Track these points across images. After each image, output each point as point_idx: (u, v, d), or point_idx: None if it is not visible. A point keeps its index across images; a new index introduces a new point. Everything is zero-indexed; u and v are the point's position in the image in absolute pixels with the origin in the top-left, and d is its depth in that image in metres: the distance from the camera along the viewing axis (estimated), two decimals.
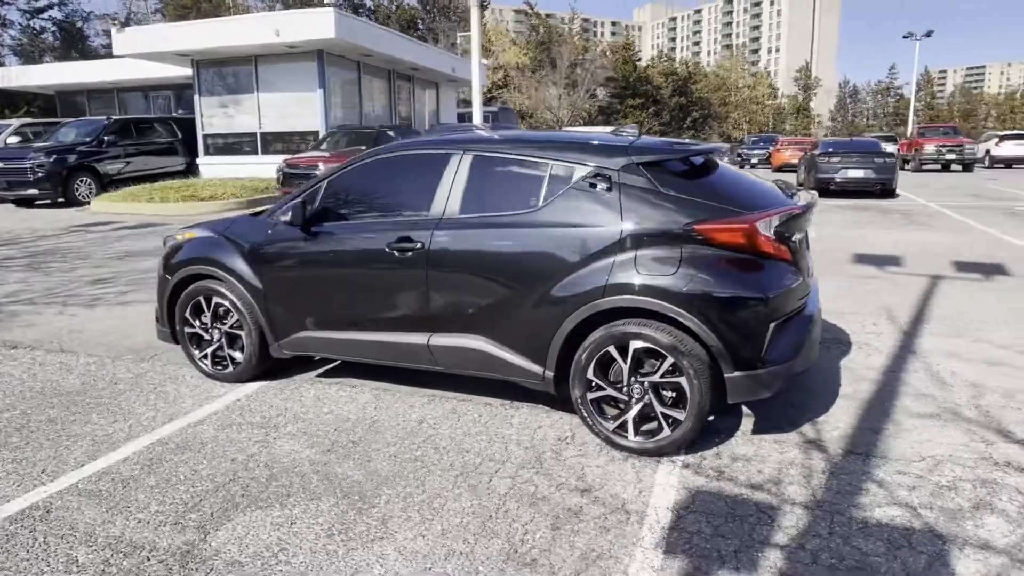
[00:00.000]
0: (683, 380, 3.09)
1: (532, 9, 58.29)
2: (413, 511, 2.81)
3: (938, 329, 5.19)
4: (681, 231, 3.09)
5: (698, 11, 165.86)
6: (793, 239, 3.26)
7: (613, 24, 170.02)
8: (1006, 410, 3.71)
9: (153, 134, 17.95)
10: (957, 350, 4.70)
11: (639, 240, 3.13)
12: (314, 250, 3.82)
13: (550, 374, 3.38)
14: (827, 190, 15.63)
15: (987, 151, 28.48)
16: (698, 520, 2.72)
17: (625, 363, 3.19)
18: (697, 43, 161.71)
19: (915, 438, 3.40)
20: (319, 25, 15.63)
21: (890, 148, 23.42)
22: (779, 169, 28.19)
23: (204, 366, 4.30)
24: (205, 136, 18.79)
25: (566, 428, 3.57)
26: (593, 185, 3.27)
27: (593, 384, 3.29)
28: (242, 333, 4.13)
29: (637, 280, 3.09)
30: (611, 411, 3.34)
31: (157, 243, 9.99)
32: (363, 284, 3.71)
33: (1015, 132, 30.79)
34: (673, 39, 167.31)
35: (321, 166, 13.87)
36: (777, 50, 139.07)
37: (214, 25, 17.55)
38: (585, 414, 3.32)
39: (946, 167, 26.47)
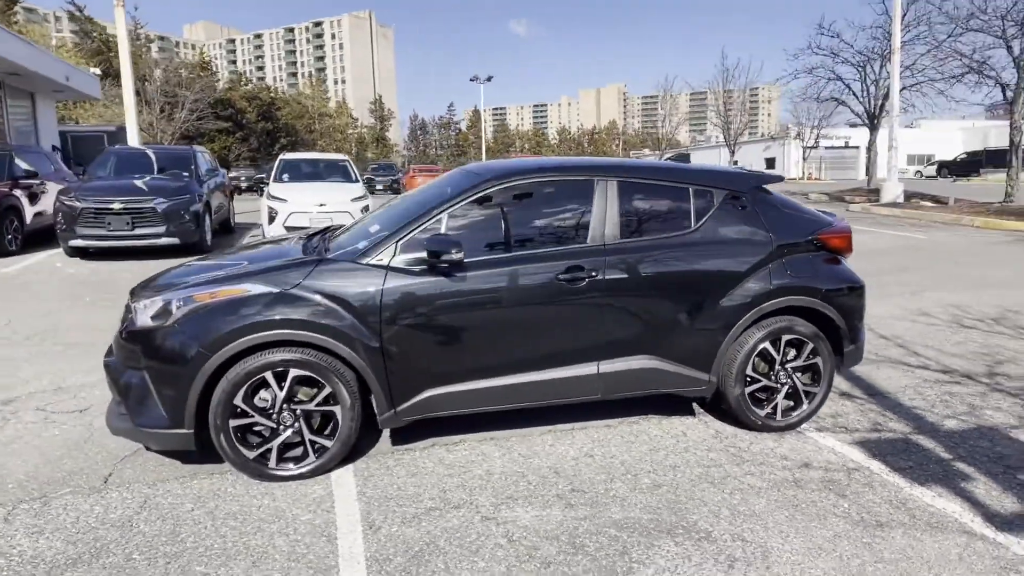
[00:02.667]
0: (819, 360, 3.81)
1: (81, 12, 49.62)
2: (746, 529, 2.88)
3: None
4: (807, 239, 3.81)
5: (259, 35, 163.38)
6: None
7: (161, 39, 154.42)
8: (888, 349, 5.44)
9: None
10: None
11: (783, 249, 3.73)
12: (458, 290, 3.29)
13: (714, 379, 3.71)
14: None
15: None
16: (907, 460, 3.48)
17: (778, 355, 3.75)
18: (261, 68, 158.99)
19: (880, 376, 4.78)
20: None
21: None
22: None
23: (265, 467, 3.20)
24: None
25: (700, 428, 3.91)
26: (736, 206, 3.73)
27: (748, 379, 3.75)
28: (337, 409, 3.24)
29: (792, 282, 3.69)
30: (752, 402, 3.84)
31: None
32: (526, 321, 3.38)
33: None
34: (234, 62, 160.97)
35: None
36: (344, 81, 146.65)
37: None
38: (745, 408, 3.75)
39: None
